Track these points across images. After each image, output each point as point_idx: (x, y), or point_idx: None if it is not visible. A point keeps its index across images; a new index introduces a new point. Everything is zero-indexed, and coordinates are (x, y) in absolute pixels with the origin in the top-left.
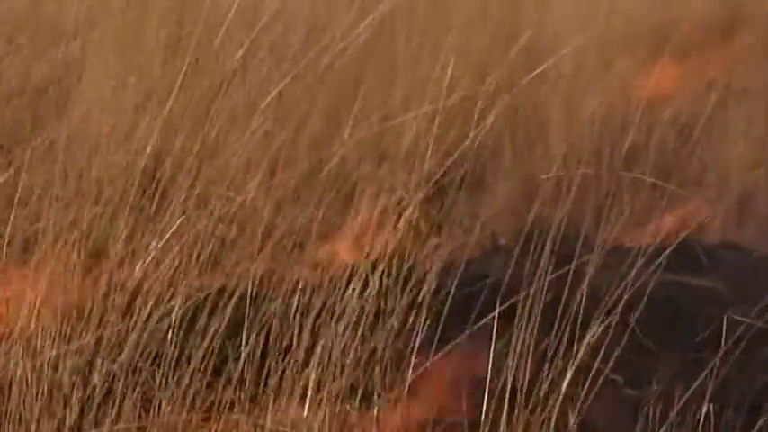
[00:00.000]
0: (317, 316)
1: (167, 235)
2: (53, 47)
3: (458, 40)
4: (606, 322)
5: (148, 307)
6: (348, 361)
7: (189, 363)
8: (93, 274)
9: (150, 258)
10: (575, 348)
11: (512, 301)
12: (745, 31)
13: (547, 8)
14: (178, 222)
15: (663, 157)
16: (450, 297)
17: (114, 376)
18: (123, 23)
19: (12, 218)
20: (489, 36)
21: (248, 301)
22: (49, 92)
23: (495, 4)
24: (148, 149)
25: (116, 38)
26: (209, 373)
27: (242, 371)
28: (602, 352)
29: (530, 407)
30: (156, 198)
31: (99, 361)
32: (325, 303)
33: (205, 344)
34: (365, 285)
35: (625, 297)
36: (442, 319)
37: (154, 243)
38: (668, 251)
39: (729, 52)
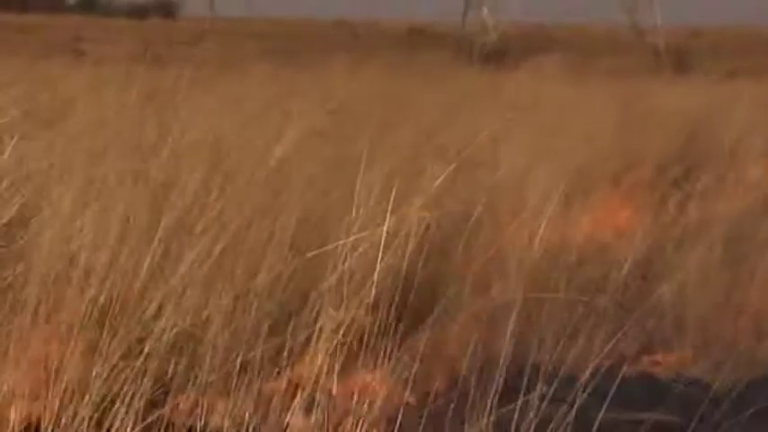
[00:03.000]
0: None
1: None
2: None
3: (414, 168)
4: None
5: None
6: None
7: None
8: (45, 403)
9: (101, 385)
10: None
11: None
12: (702, 170)
13: (504, 143)
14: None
15: (621, 291)
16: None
17: None
18: (87, 154)
19: None
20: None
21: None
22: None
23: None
24: (101, 276)
25: (79, 169)
26: None
27: None
28: None
29: None
30: (108, 326)
31: None
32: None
33: None
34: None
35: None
36: None
37: (106, 369)
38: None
39: (686, 191)
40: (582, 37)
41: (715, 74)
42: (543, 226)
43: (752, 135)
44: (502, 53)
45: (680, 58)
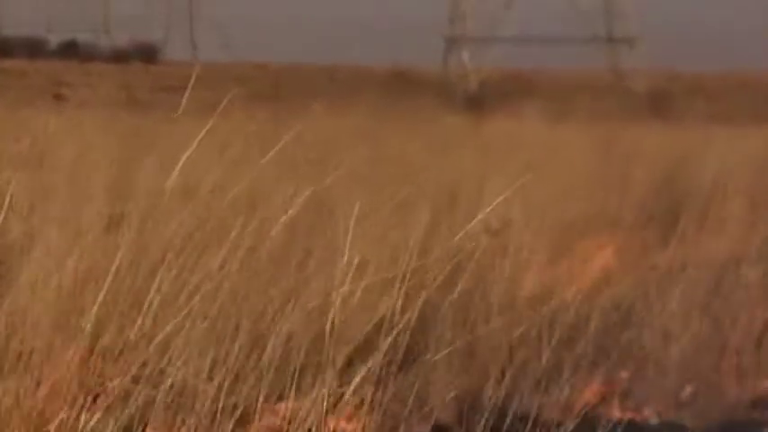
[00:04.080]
0: None
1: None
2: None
3: (396, 217)
4: None
5: None
6: None
7: None
8: None
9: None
10: None
11: None
12: (684, 215)
13: (483, 186)
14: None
15: (603, 336)
16: None
17: None
18: (65, 202)
19: None
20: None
21: None
22: None
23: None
24: (87, 328)
25: (58, 217)
26: None
27: None
28: None
29: None
30: (95, 375)
31: None
32: None
33: None
34: None
35: None
36: None
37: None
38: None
39: (669, 236)
40: (562, 81)
41: (693, 117)
42: (525, 271)
43: (730, 178)
44: (483, 98)
45: (658, 101)
